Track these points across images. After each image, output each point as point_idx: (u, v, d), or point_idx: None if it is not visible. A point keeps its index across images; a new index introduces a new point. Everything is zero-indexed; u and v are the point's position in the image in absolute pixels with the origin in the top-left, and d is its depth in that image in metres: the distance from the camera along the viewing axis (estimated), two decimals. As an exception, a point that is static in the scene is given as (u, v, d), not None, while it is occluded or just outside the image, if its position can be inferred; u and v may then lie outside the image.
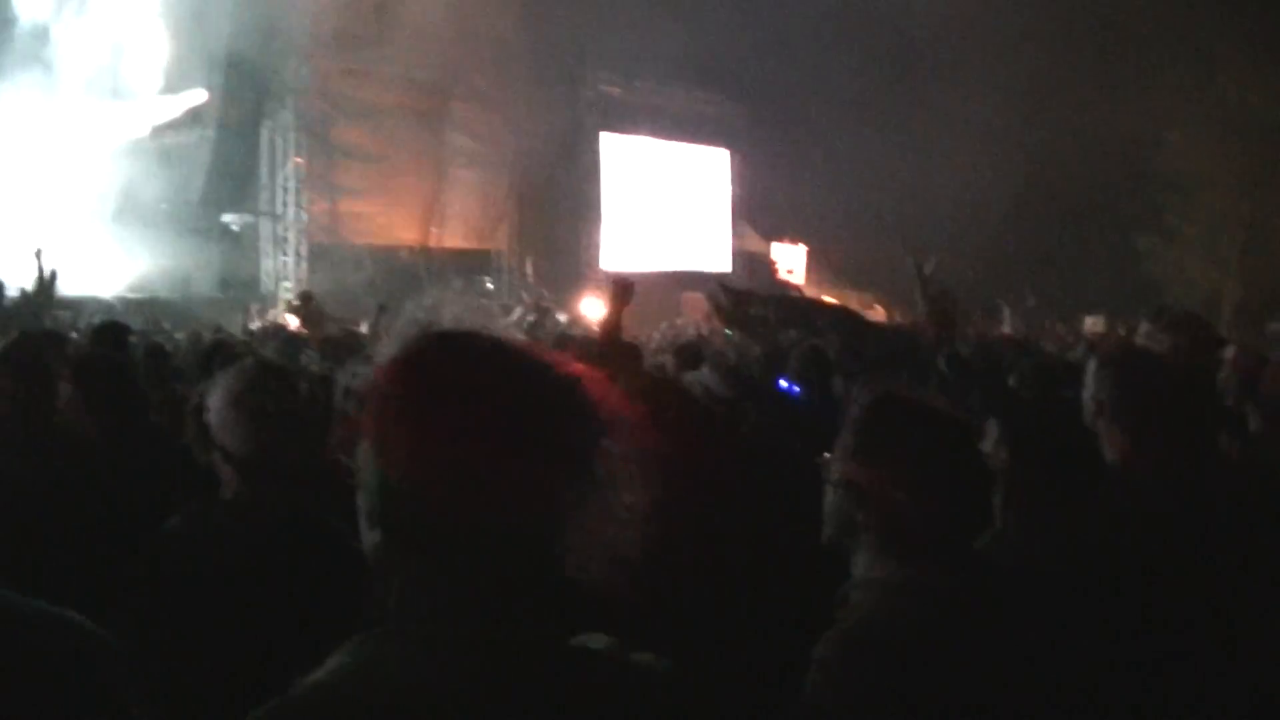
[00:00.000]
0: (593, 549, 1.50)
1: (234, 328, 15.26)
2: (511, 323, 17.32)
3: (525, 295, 24.39)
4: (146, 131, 22.32)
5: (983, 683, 2.13)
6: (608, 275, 26.44)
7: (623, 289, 6.67)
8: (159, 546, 2.90)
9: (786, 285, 29.61)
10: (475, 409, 1.48)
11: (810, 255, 33.70)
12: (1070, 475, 3.16)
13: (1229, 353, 5.54)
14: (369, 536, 1.52)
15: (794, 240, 33.89)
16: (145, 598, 2.80)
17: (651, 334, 17.56)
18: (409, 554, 1.48)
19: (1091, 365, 3.52)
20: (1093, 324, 24.24)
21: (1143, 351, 4.19)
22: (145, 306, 18.06)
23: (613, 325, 6.64)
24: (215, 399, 2.99)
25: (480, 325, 1.60)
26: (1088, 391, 3.48)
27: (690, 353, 7.59)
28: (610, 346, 6.32)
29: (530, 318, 18.52)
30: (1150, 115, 31.00)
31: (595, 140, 30.69)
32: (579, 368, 1.59)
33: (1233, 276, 33.11)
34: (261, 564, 2.79)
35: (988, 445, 3.10)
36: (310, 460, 3.12)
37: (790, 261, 33.84)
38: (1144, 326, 5.11)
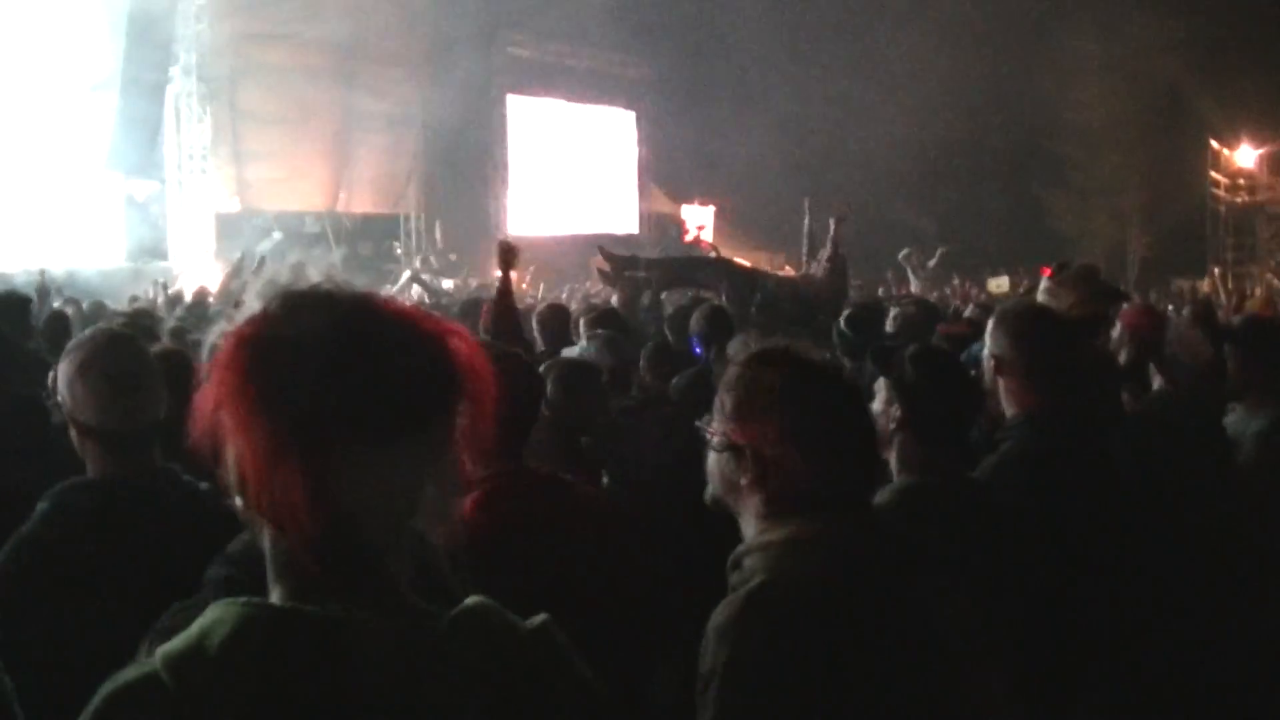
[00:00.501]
0: (439, 515, 1.55)
1: (147, 297, 15.30)
2: (394, 290, 17.91)
3: (416, 261, 24.92)
4: (52, 96, 22.14)
5: (892, 636, 2.13)
6: (497, 240, 27.22)
7: (506, 252, 6.98)
8: (20, 553, 2.74)
9: (698, 245, 30.39)
10: (320, 373, 1.46)
11: (719, 215, 34.11)
12: (962, 431, 3.31)
13: (1120, 309, 5.79)
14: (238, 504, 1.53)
15: (703, 201, 34.33)
16: (13, 609, 2.66)
17: (561, 297, 18.31)
18: (263, 521, 1.49)
19: (990, 322, 3.70)
20: (997, 284, 25.42)
21: (1039, 308, 4.26)
22: (61, 279, 18.01)
23: (503, 290, 6.81)
24: (62, 372, 2.90)
25: (347, 283, 1.59)
26: (986, 348, 3.67)
27: (603, 317, 7.32)
28: (501, 310, 6.60)
29: (413, 287, 19.23)
30: (1054, 71, 32.34)
31: (503, 102, 31.02)
32: (448, 324, 1.59)
33: (1136, 231, 34.77)
34: (136, 554, 2.70)
35: (878, 404, 3.19)
36: (175, 426, 3.15)
37: (699, 222, 34.20)
38: (1043, 282, 5.28)
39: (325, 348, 1.47)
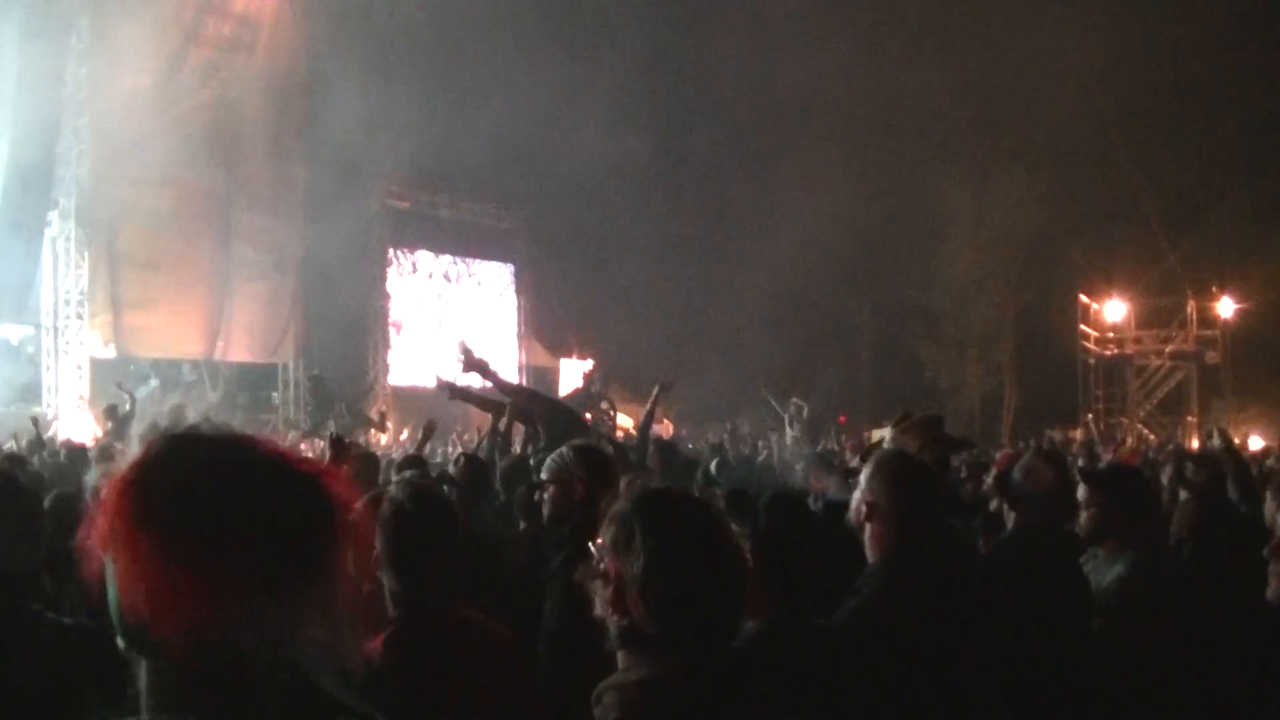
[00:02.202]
0: (331, 648, 1.67)
1: (22, 439, 15.77)
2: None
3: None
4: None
5: None
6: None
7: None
8: None
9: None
10: (205, 513, 1.61)
11: (598, 369, 34.37)
12: (816, 574, 3.50)
13: (998, 455, 7.04)
14: (118, 638, 1.66)
15: (581, 354, 35.43)
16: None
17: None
18: (146, 656, 1.63)
19: (867, 470, 3.94)
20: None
21: (912, 458, 4.42)
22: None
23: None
24: None
25: (225, 425, 1.76)
26: (858, 493, 3.90)
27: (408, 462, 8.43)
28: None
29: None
30: (925, 224, 34.88)
31: (383, 254, 32.39)
32: (322, 465, 1.77)
33: (1010, 381, 37.77)
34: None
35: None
36: (35, 564, 3.70)
37: (579, 377, 34.81)
38: (888, 431, 5.65)
39: (208, 488, 1.61)
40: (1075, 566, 5.08)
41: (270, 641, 1.63)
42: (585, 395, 19.62)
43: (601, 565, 2.44)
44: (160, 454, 1.66)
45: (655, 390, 13.13)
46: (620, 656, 2.42)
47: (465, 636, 3.52)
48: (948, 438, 5.86)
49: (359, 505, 1.79)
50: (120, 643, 1.67)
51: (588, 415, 18.24)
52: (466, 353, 13.27)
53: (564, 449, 5.18)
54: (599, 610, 2.44)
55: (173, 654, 1.60)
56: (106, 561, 1.63)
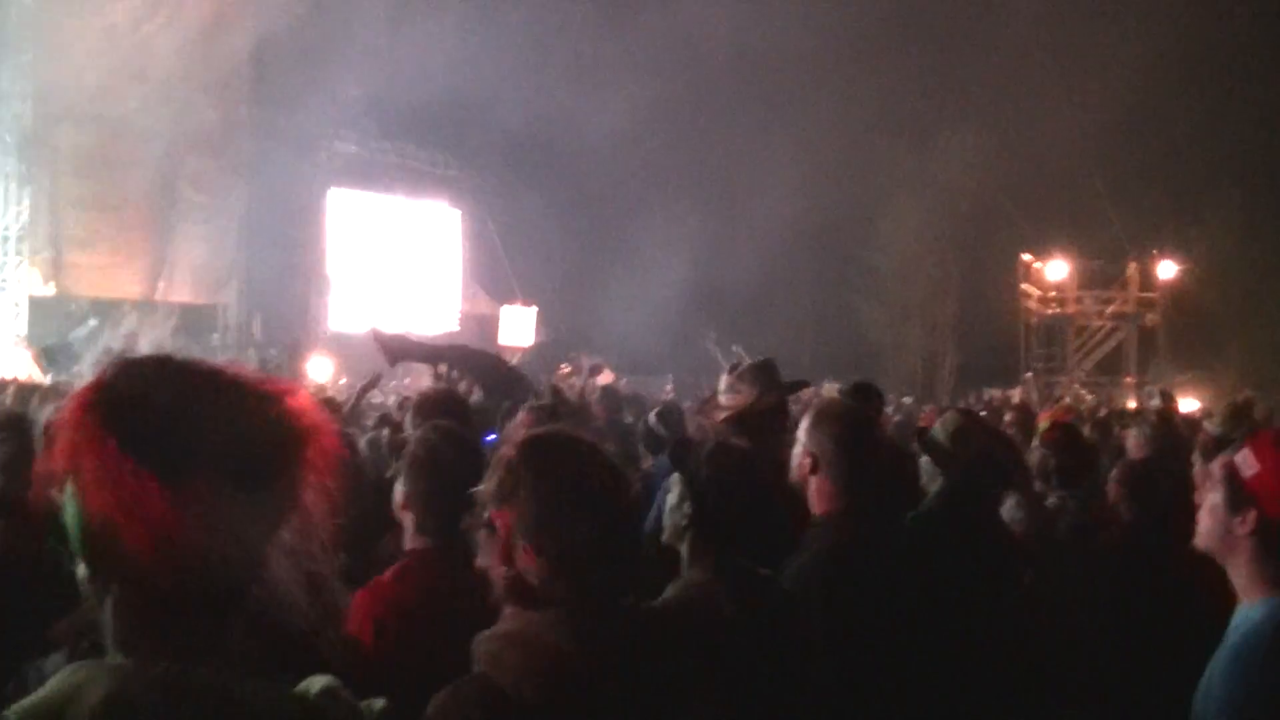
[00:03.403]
0: (293, 577, 1.69)
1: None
2: None
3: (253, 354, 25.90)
4: None
5: None
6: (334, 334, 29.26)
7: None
8: None
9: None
10: (170, 426, 1.63)
11: (541, 317, 36.30)
12: (758, 524, 3.50)
13: (923, 412, 7.39)
14: (79, 568, 1.66)
15: (526, 302, 36.45)
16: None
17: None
18: (110, 583, 1.64)
19: (805, 422, 3.96)
20: (829, 389, 28.74)
21: (857, 410, 4.48)
22: None
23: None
24: None
25: (179, 351, 1.80)
26: (799, 445, 3.93)
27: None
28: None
29: None
30: (870, 184, 35.79)
31: (325, 197, 33.03)
32: (285, 384, 1.78)
33: (951, 341, 39.25)
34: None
35: (673, 499, 3.50)
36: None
37: (521, 324, 36.33)
38: (722, 380, 5.61)
39: (172, 397, 1.66)
40: (1000, 525, 5.29)
41: (241, 560, 1.66)
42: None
43: (486, 515, 2.43)
44: (121, 370, 1.71)
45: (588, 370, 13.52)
46: (504, 610, 2.40)
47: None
48: (783, 383, 5.74)
49: (329, 427, 1.80)
50: (81, 572, 1.67)
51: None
52: (383, 341, 13.50)
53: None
54: (480, 561, 2.47)
55: (142, 574, 1.61)
56: (66, 486, 1.64)
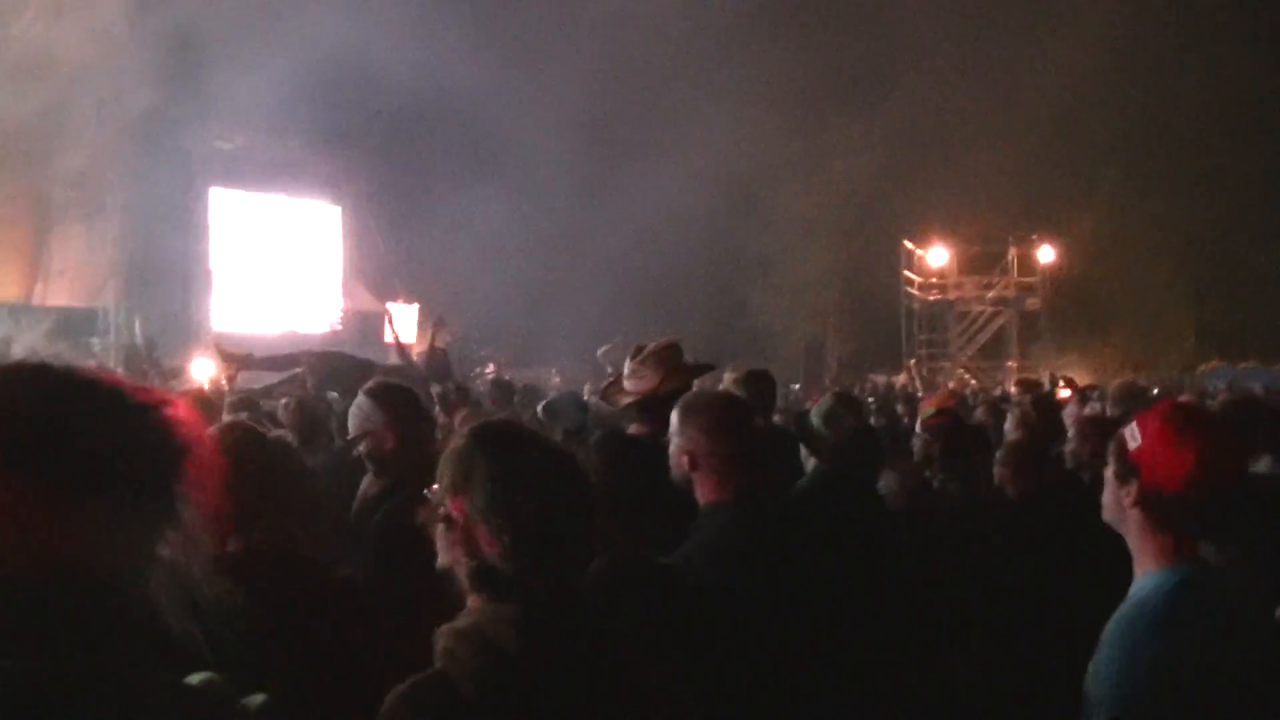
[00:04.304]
0: (180, 576, 1.71)
1: None
2: None
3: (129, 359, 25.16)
4: None
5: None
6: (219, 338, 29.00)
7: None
8: None
9: (399, 347, 32.94)
10: (42, 438, 1.65)
11: (422, 315, 34.71)
12: (651, 511, 3.58)
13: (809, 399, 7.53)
14: None
15: (407, 300, 35.55)
16: None
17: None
18: None
19: (674, 420, 3.92)
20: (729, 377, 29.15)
21: (728, 397, 4.53)
22: None
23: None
24: None
25: (56, 357, 1.80)
26: (674, 443, 3.89)
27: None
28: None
29: None
30: (756, 171, 36.43)
31: (205, 196, 32.45)
32: (161, 395, 1.80)
33: (836, 326, 39.76)
34: None
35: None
36: None
37: (404, 321, 34.40)
38: (626, 366, 5.67)
39: (45, 412, 1.67)
40: (877, 501, 5.47)
41: (120, 566, 1.68)
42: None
43: (442, 509, 2.45)
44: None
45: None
46: (471, 600, 2.42)
47: (300, 576, 3.48)
48: (687, 364, 5.84)
49: (205, 436, 1.80)
50: None
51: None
52: (224, 353, 13.71)
53: (360, 398, 5.08)
54: (443, 558, 2.46)
55: (15, 573, 1.63)
56: None
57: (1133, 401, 8.23)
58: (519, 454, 2.47)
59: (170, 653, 1.78)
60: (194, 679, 1.80)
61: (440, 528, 2.46)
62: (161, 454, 1.75)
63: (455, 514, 2.43)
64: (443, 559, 2.46)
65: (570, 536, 2.45)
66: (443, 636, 2.34)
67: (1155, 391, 16.61)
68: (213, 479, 1.80)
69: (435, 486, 2.50)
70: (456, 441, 2.52)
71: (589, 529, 2.51)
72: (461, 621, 2.36)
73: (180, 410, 1.81)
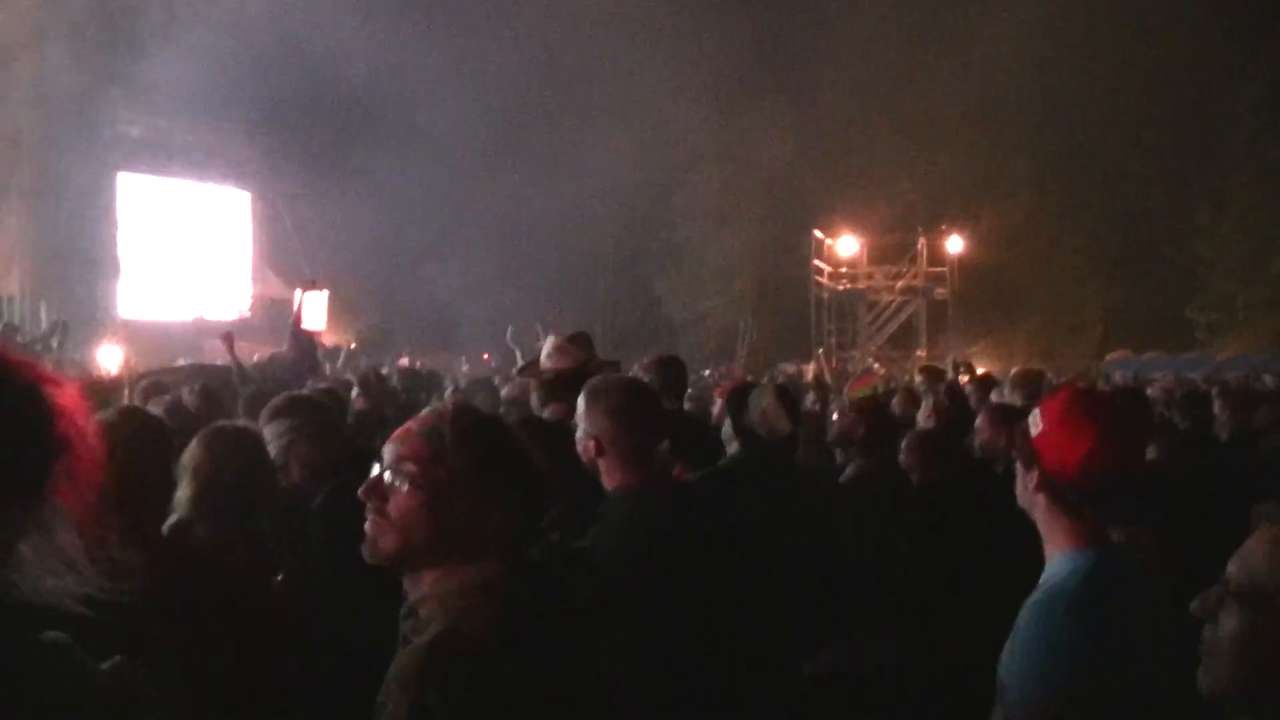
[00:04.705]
0: (55, 568, 1.60)
1: None
2: None
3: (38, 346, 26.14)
4: None
5: (562, 685, 2.40)
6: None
7: None
8: None
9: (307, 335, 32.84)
10: None
11: (334, 300, 35.18)
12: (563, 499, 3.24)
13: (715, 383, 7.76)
14: None
15: (319, 286, 34.50)
16: None
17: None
18: None
19: (580, 405, 3.94)
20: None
21: (630, 381, 4.49)
22: None
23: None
24: None
25: None
26: (580, 430, 3.90)
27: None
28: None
29: None
30: (668, 157, 37.06)
31: (113, 180, 32.40)
32: (45, 373, 1.69)
33: (747, 315, 39.94)
34: None
35: None
36: None
37: (314, 307, 34.89)
38: (547, 345, 5.71)
39: None
40: (794, 477, 5.58)
41: None
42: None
43: (399, 480, 2.49)
44: None
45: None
46: (428, 571, 2.47)
47: (201, 561, 3.45)
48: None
49: (91, 420, 1.72)
50: None
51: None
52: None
53: (275, 421, 5.08)
54: (401, 528, 2.47)
55: None
56: None
57: (1034, 389, 8.36)
58: (489, 433, 2.59)
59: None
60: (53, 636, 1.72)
61: (413, 502, 2.49)
62: (39, 451, 1.64)
63: (425, 479, 2.49)
64: (400, 526, 2.49)
65: (537, 505, 2.60)
66: (438, 599, 2.42)
67: (1059, 380, 16.85)
68: (93, 473, 1.68)
69: (402, 454, 2.53)
70: (432, 419, 2.58)
71: (546, 499, 2.64)
72: (453, 583, 2.44)
73: (62, 387, 1.69)
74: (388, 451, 2.56)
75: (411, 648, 2.33)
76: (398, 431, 2.60)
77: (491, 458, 2.54)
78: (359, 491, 2.54)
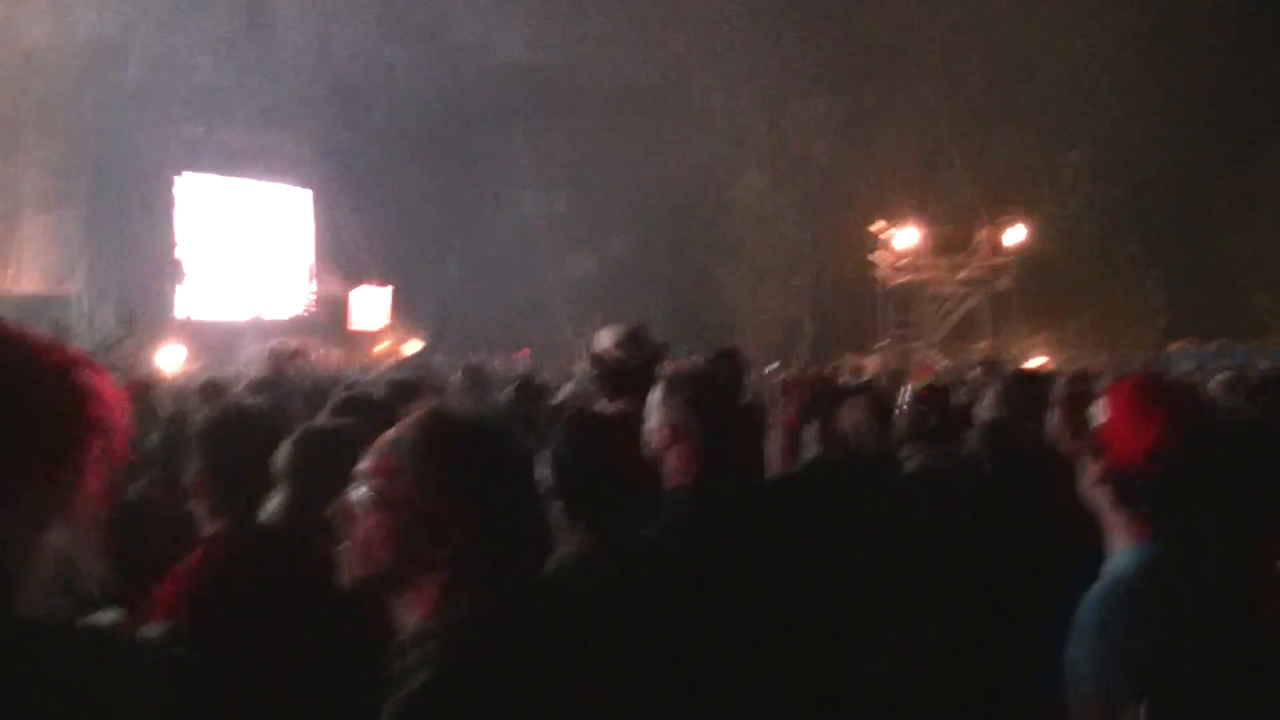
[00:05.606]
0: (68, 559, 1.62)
1: None
2: None
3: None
4: None
5: (557, 707, 2.24)
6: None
7: None
8: None
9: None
10: None
11: (396, 297, 36.33)
12: (625, 492, 3.54)
13: (777, 379, 6.94)
14: None
15: (380, 283, 36.46)
16: None
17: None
18: None
19: (657, 394, 3.88)
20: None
21: (709, 376, 4.47)
22: None
23: None
24: None
25: None
26: (655, 419, 3.83)
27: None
28: None
29: None
30: (725, 150, 37.18)
31: (174, 182, 32.78)
32: (75, 355, 1.71)
33: (807, 308, 39.79)
34: None
35: (542, 473, 3.40)
36: None
37: (375, 304, 36.46)
38: (693, 361, 5.78)
39: None
40: (864, 488, 5.37)
41: (13, 545, 1.62)
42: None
43: (363, 498, 2.32)
44: None
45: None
46: (420, 600, 2.29)
47: (297, 560, 3.33)
48: (654, 346, 5.67)
49: (118, 401, 1.72)
50: None
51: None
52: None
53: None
54: (364, 552, 2.31)
55: None
56: None
57: (1099, 381, 8.21)
58: (473, 437, 2.39)
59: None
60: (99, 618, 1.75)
61: (398, 522, 2.29)
62: (68, 428, 1.67)
63: (388, 499, 2.29)
64: (363, 549, 2.30)
65: (533, 520, 2.46)
66: (433, 638, 2.21)
67: (1120, 372, 16.62)
68: (121, 454, 1.71)
69: (359, 475, 2.35)
70: (408, 431, 2.37)
71: (541, 511, 2.53)
72: (442, 617, 2.24)
73: (94, 372, 1.71)
74: (361, 465, 2.36)
75: (399, 695, 2.14)
76: (397, 437, 2.38)
77: (464, 470, 2.30)
78: (326, 513, 2.37)
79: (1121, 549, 2.94)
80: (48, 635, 1.63)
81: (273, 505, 3.64)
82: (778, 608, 3.61)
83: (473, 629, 2.21)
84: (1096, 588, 2.90)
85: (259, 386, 8.20)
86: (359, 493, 2.32)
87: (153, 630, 1.89)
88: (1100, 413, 2.99)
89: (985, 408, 7.54)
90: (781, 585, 3.67)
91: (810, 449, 5.71)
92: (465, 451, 2.34)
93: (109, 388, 1.72)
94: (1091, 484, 3.00)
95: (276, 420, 4.08)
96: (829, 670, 3.80)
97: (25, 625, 1.62)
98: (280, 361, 12.47)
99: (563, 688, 2.25)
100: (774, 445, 6.16)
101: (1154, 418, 2.90)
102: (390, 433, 2.37)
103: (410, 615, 2.29)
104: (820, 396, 5.94)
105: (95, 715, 1.62)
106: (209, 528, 3.63)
